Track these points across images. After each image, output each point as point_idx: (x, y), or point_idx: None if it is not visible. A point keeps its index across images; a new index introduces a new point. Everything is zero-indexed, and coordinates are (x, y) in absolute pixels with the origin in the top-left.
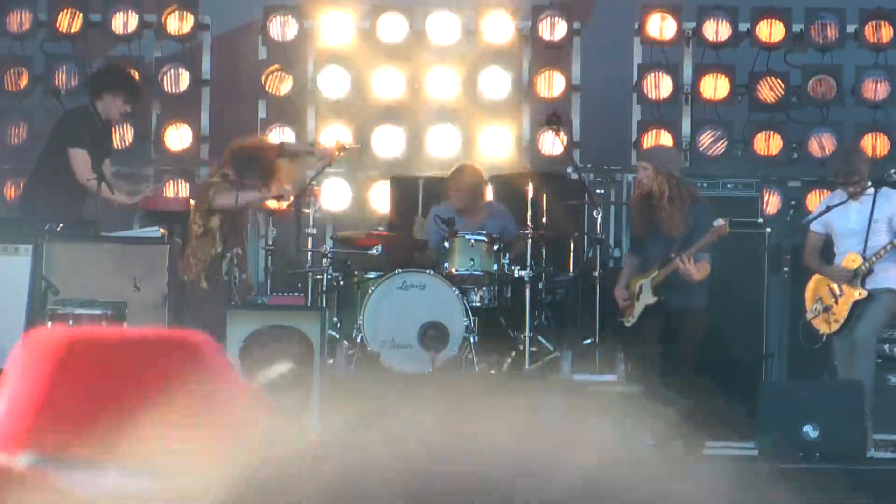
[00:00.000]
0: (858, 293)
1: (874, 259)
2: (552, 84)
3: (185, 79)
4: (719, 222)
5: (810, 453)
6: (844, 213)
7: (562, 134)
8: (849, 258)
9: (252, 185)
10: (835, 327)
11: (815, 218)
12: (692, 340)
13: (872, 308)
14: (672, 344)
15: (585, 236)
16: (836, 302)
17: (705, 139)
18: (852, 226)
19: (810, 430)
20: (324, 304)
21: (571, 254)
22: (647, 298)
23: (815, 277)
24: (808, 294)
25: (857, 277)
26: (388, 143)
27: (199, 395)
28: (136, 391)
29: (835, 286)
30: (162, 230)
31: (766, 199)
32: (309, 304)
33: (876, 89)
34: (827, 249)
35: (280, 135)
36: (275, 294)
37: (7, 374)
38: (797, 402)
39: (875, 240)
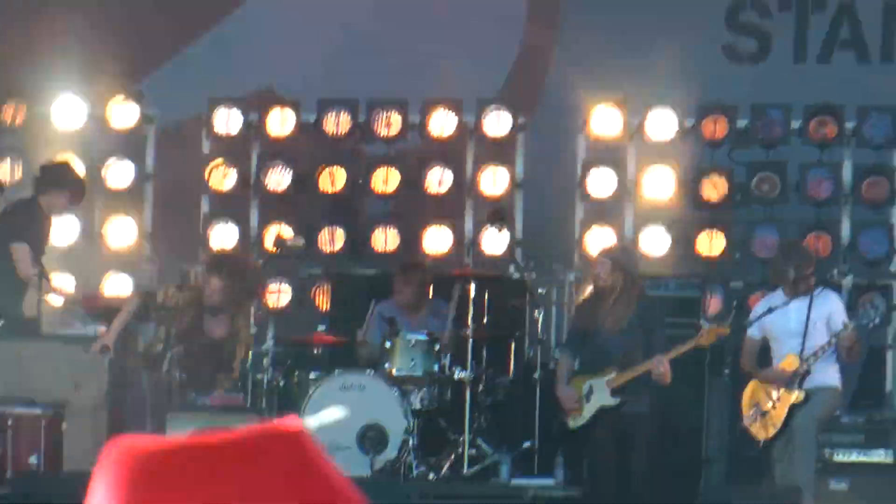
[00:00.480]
0: (795, 397)
1: (812, 359)
2: (496, 180)
3: (128, 172)
4: (711, 326)
5: None
6: (784, 315)
7: (504, 232)
8: (787, 360)
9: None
10: (772, 432)
11: (759, 318)
12: (647, 445)
13: (811, 402)
14: (624, 448)
15: (526, 337)
16: (774, 406)
17: (648, 237)
18: (792, 326)
19: None
20: (264, 405)
21: (512, 355)
22: (605, 400)
23: (752, 383)
24: (745, 399)
25: (794, 379)
26: (331, 239)
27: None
28: (244, 495)
29: (772, 390)
30: (103, 329)
31: (707, 299)
32: (248, 405)
33: (820, 187)
34: (763, 353)
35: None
36: (215, 394)
37: (91, 493)
38: None
39: (813, 340)
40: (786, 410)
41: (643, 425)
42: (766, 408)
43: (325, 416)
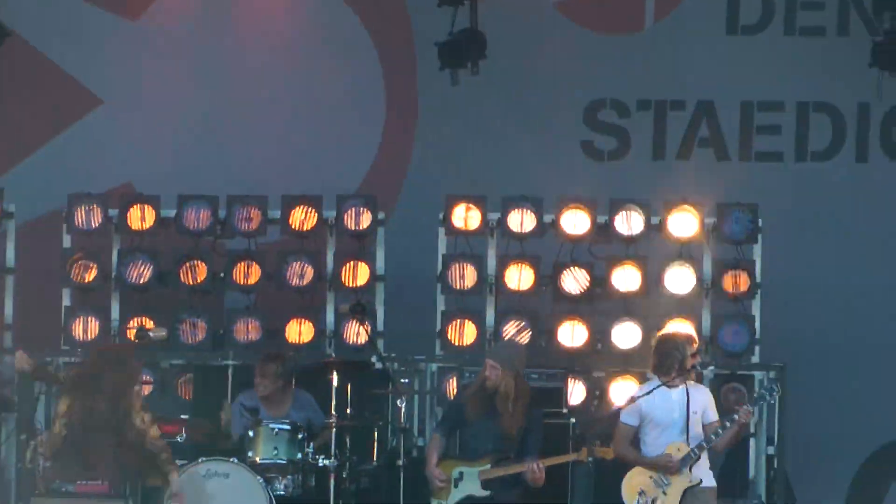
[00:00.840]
0: (690, 480)
1: (703, 446)
2: (356, 274)
3: None
4: (596, 447)
5: None
6: (665, 404)
7: (366, 323)
8: (673, 447)
9: None
10: None
11: (629, 406)
12: None
13: None
14: None
15: (390, 425)
16: (665, 492)
17: (509, 329)
18: (675, 416)
19: None
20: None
21: (376, 443)
22: (475, 490)
23: (634, 470)
24: (627, 488)
25: (686, 464)
26: (193, 330)
27: None
28: None
29: (658, 475)
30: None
31: (570, 389)
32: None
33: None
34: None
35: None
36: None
37: None
38: None
39: (695, 430)
40: (679, 495)
41: None
42: (655, 493)
43: None
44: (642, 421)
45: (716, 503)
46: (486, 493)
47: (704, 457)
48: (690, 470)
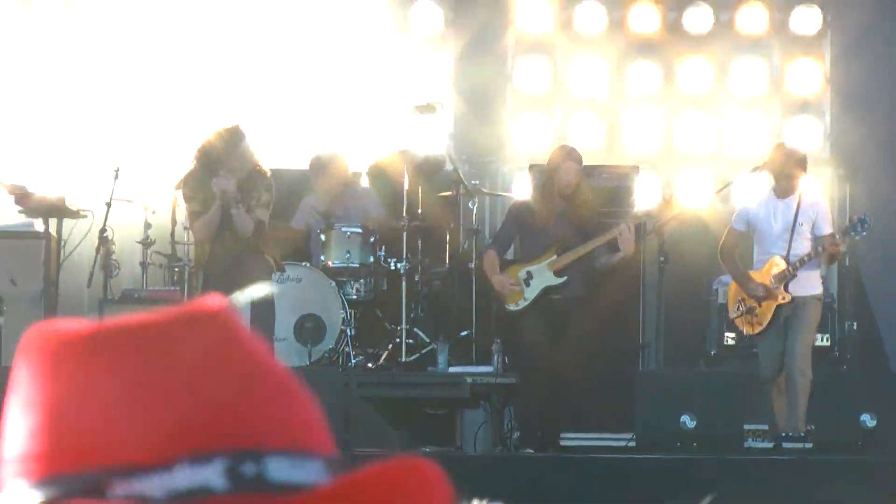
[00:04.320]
0: (782, 297)
1: (798, 264)
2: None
3: None
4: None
5: (688, 443)
6: (770, 214)
7: (438, 125)
8: (772, 263)
9: None
10: (758, 329)
11: (739, 210)
12: (582, 329)
13: (801, 324)
14: (558, 332)
15: (461, 228)
16: (759, 304)
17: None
18: (777, 228)
19: (687, 420)
20: None
21: (447, 245)
22: (549, 280)
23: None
24: (731, 294)
25: (781, 281)
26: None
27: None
28: (169, 375)
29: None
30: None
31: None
32: (186, 298)
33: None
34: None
35: None
36: (151, 288)
37: (14, 385)
38: (674, 392)
39: (798, 243)
40: (772, 310)
41: (580, 309)
42: (752, 304)
43: (252, 293)
44: (749, 228)
45: (818, 310)
46: (562, 278)
47: (808, 270)
48: (786, 288)
